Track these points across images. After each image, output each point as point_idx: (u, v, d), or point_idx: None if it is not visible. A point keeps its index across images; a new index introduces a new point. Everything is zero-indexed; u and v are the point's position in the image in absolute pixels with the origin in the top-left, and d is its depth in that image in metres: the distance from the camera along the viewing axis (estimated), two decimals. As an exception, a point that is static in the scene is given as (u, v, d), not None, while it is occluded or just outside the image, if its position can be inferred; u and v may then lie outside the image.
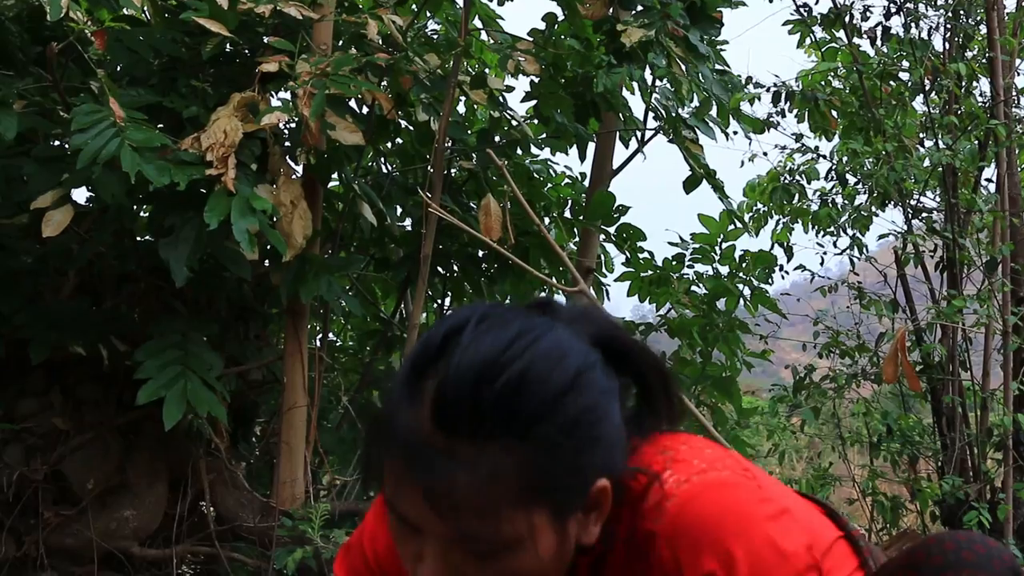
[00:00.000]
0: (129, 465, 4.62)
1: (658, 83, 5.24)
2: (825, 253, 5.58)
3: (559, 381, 1.29)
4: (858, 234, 5.48)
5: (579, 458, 1.32)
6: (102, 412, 4.61)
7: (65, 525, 4.52)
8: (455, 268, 5.54)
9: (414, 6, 5.38)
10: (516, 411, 1.26)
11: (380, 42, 4.67)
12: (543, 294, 5.96)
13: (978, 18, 5.50)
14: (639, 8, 4.94)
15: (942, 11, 5.36)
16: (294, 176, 4.39)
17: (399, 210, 5.44)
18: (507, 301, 5.87)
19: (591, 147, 5.53)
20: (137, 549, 4.61)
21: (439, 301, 5.82)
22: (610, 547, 1.46)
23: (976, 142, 5.36)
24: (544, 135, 5.45)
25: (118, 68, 4.44)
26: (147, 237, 4.78)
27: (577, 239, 5.82)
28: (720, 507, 1.40)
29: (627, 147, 5.74)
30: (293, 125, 4.47)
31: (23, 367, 4.42)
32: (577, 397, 1.31)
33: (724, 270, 5.63)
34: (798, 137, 5.64)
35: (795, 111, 5.65)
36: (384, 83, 4.71)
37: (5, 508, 4.42)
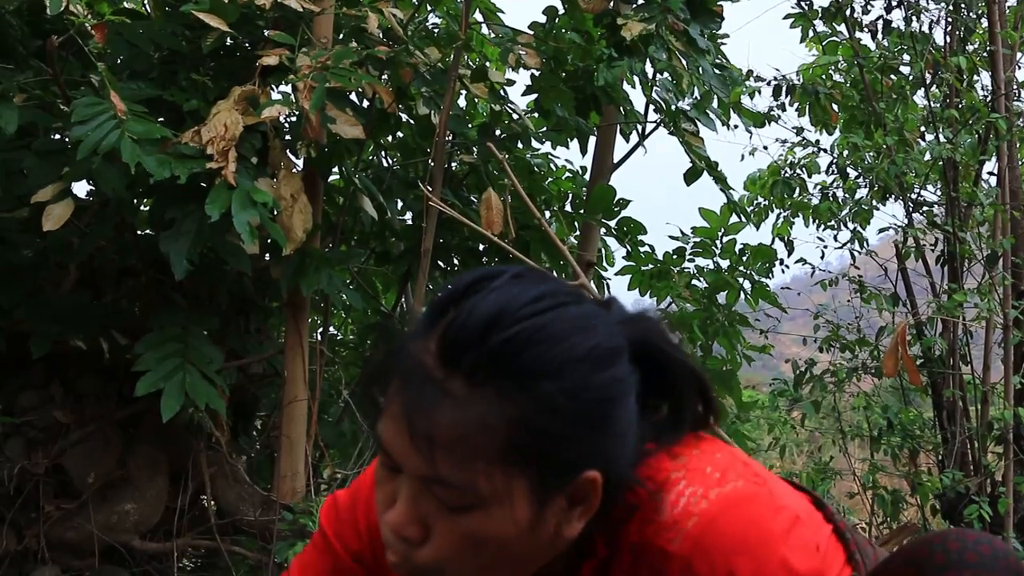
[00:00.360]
0: (130, 458, 4.63)
1: (658, 77, 5.23)
2: (826, 247, 5.59)
3: (574, 348, 1.26)
4: (859, 228, 5.48)
5: (574, 433, 1.27)
6: (103, 406, 4.62)
7: (66, 518, 4.52)
8: (456, 262, 5.54)
9: (414, -1, 5.38)
10: (521, 360, 1.23)
11: (380, 35, 4.67)
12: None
13: (979, 12, 5.49)
14: (639, 2, 4.93)
15: (943, 5, 5.36)
16: (295, 170, 4.39)
17: (400, 204, 5.44)
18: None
19: (592, 141, 5.53)
20: (138, 542, 4.61)
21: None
22: (615, 552, 1.42)
23: (977, 136, 5.35)
24: (545, 129, 5.44)
25: (118, 61, 4.43)
26: (147, 231, 4.78)
27: (578, 233, 5.81)
28: (739, 529, 1.36)
29: (628, 141, 5.75)
30: (294, 119, 4.48)
31: (24, 361, 4.41)
32: (589, 370, 1.27)
33: (725, 264, 5.63)
34: (799, 131, 5.64)
35: (796, 105, 5.64)
36: (385, 76, 4.70)
37: (6, 501, 4.43)
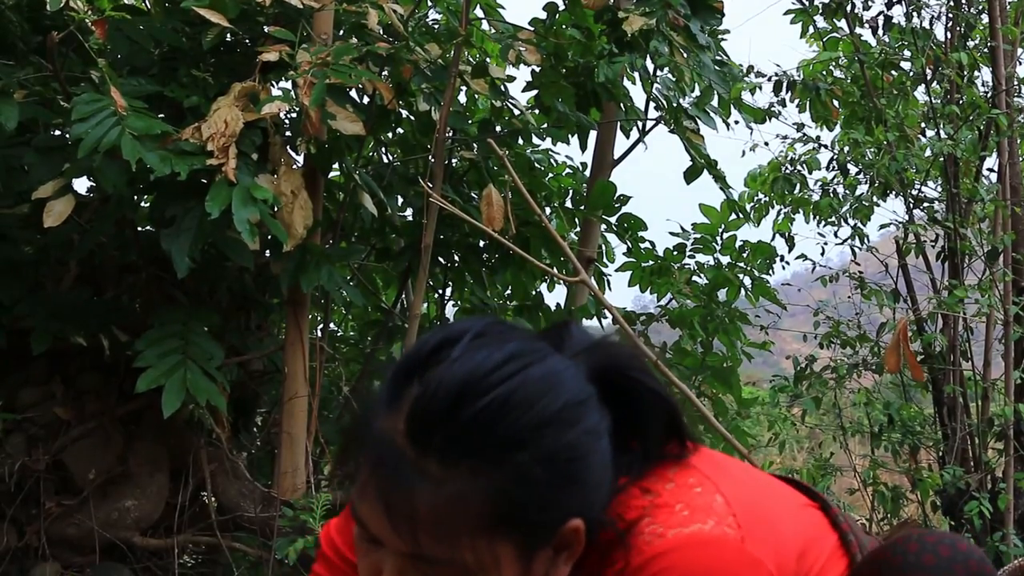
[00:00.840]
0: (130, 455, 4.63)
1: (659, 73, 5.23)
2: (826, 243, 5.58)
3: (543, 411, 1.25)
4: (859, 224, 5.47)
5: (553, 494, 1.27)
6: (103, 402, 4.62)
7: (67, 515, 4.53)
8: (456, 258, 5.54)
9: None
10: (492, 434, 1.22)
11: (381, 31, 4.67)
12: (544, 284, 5.97)
13: (980, 7, 5.49)
14: (640, -3, 4.93)
15: (944, 0, 5.35)
16: (295, 166, 4.39)
17: (400, 200, 5.43)
18: (508, 291, 5.88)
19: (592, 137, 5.53)
20: (139, 539, 4.62)
21: (440, 291, 5.82)
22: None
23: (977, 132, 5.35)
24: (545, 125, 5.44)
25: (119, 57, 4.43)
26: (148, 227, 4.78)
27: (578, 229, 5.82)
28: (685, 571, 1.34)
29: (628, 137, 5.75)
30: (294, 115, 4.48)
31: (24, 357, 4.42)
32: (560, 431, 1.26)
33: (725, 260, 5.63)
34: (799, 127, 5.63)
35: (796, 101, 5.63)
36: (385, 73, 4.70)
37: (7, 498, 4.43)
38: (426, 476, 1.22)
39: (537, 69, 5.04)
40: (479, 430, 1.22)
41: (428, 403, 1.23)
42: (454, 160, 5.36)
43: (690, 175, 5.39)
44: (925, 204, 5.39)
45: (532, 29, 5.14)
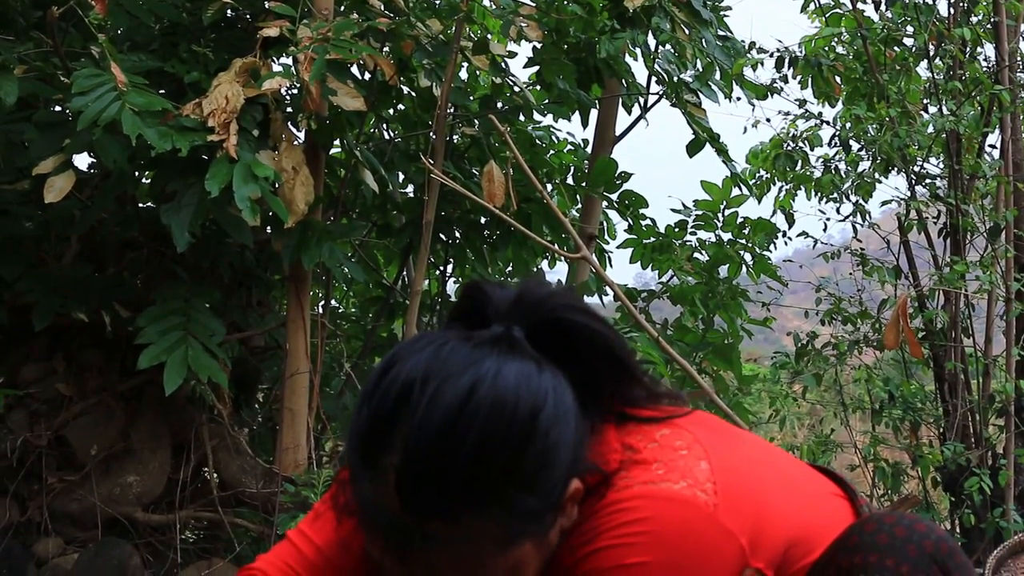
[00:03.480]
0: (132, 431, 4.64)
1: (661, 49, 5.22)
2: (828, 220, 5.58)
3: (517, 435, 1.28)
4: (861, 200, 5.47)
5: (547, 495, 1.32)
6: (105, 378, 4.63)
7: (69, 490, 4.54)
8: (457, 235, 5.54)
9: (416, -29, 5.36)
10: (481, 482, 1.26)
11: (381, 7, 4.65)
12: (545, 261, 5.97)
13: (983, -18, 5.46)
14: (642, -27, 4.91)
15: (947, -25, 5.33)
16: (296, 142, 4.38)
17: (401, 176, 5.43)
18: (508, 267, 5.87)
19: (593, 113, 5.51)
20: (140, 514, 4.63)
21: (441, 268, 5.81)
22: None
23: (980, 108, 5.33)
24: (546, 101, 5.43)
25: (119, 33, 4.43)
26: (149, 204, 4.78)
27: (579, 206, 5.81)
28: (639, 517, 1.37)
29: (630, 113, 5.74)
30: (295, 91, 4.46)
31: (26, 333, 4.42)
32: (536, 443, 1.29)
33: (726, 237, 5.63)
34: (801, 103, 5.62)
35: (798, 77, 5.62)
36: (386, 48, 4.69)
37: (9, 473, 4.44)
38: (435, 538, 1.28)
39: (538, 45, 5.02)
40: (468, 482, 1.26)
41: (412, 472, 1.27)
42: (455, 136, 5.35)
43: (692, 148, 5.37)
44: (927, 180, 5.39)
45: (533, 5, 5.12)
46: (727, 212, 5.58)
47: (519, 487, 1.28)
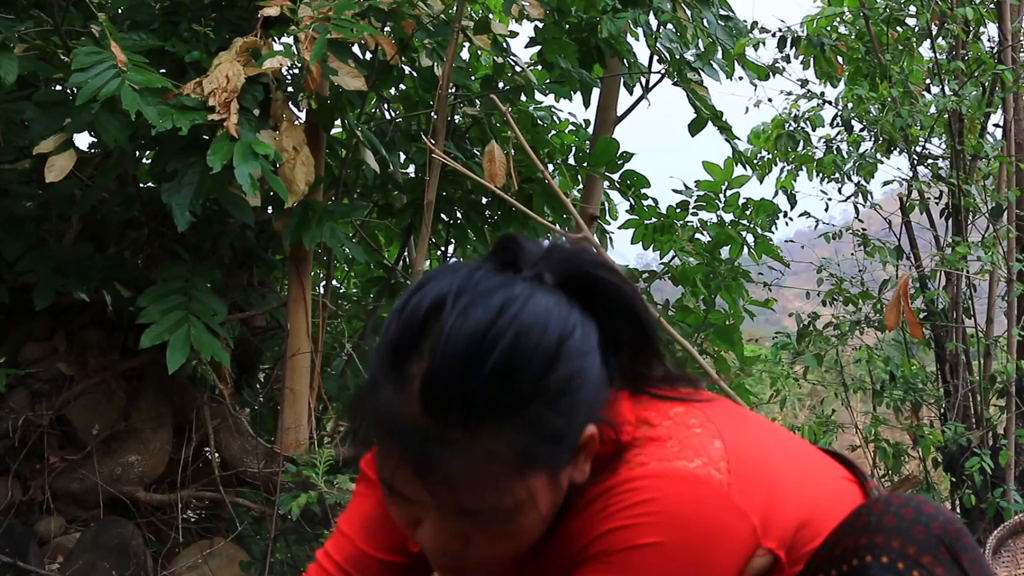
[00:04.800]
0: (134, 411, 4.65)
1: (662, 29, 5.20)
2: (830, 200, 5.57)
3: (543, 356, 1.29)
4: (863, 181, 5.45)
5: (568, 422, 1.33)
6: (106, 358, 4.63)
7: (71, 470, 4.55)
8: (458, 215, 5.53)
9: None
10: (505, 394, 1.27)
11: (383, -14, 4.64)
12: (546, 241, 5.96)
13: (987, -38, 5.44)
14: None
15: (950, -45, 5.31)
16: (297, 122, 4.37)
17: (402, 156, 5.43)
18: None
19: (595, 93, 5.50)
20: (142, 494, 4.65)
21: (442, 248, 5.81)
22: (567, 508, 1.45)
23: (982, 88, 5.32)
24: (548, 81, 5.42)
25: (119, 12, 4.42)
26: (150, 183, 4.78)
27: (581, 186, 5.80)
28: (651, 497, 1.37)
29: (631, 93, 5.73)
30: (296, 71, 4.46)
31: (27, 313, 4.43)
32: (561, 368, 1.30)
33: (728, 218, 5.62)
34: (803, 83, 5.60)
35: (800, 57, 5.60)
36: (387, 28, 4.68)
37: (11, 453, 4.46)
38: (454, 446, 1.28)
39: (540, 25, 5.01)
40: (492, 392, 1.27)
41: (438, 378, 1.27)
42: (457, 116, 5.35)
43: (695, 127, 5.36)
44: (929, 161, 5.37)
45: (535, -16, 5.10)
46: (729, 193, 5.57)
47: (543, 403, 1.29)
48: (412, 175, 5.50)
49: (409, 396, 1.29)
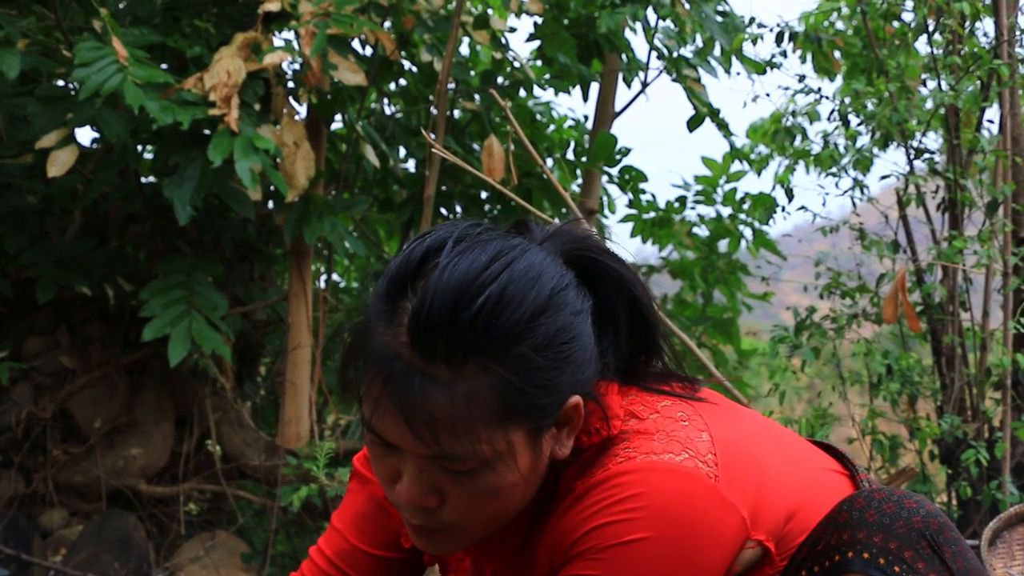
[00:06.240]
0: (136, 404, 4.68)
1: (661, 24, 5.22)
2: (827, 194, 5.58)
3: (534, 302, 1.31)
4: (860, 175, 5.46)
5: (553, 376, 1.34)
6: (109, 351, 4.66)
7: (73, 463, 4.58)
8: (458, 209, 5.55)
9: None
10: (492, 334, 1.29)
11: (383, -18, 4.66)
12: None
13: (983, -43, 5.45)
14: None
15: (947, -50, 5.32)
16: (297, 117, 4.40)
17: (402, 151, 5.45)
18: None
19: (594, 88, 5.52)
20: (144, 486, 4.67)
21: (442, 243, 5.82)
22: (551, 497, 1.46)
23: (979, 82, 5.33)
24: (547, 76, 5.44)
25: (120, 7, 4.44)
26: (152, 178, 4.80)
27: (580, 181, 5.82)
28: (639, 491, 1.37)
29: (630, 88, 5.74)
30: (296, 66, 4.48)
31: (30, 306, 4.45)
32: (551, 317, 1.33)
33: (726, 212, 5.64)
34: (801, 78, 5.62)
35: (798, 52, 5.61)
36: (387, 23, 4.70)
37: (14, 446, 4.48)
38: (437, 381, 1.30)
39: (539, 20, 5.03)
40: (480, 330, 1.29)
41: (428, 312, 1.29)
42: (456, 111, 5.36)
43: (693, 123, 5.38)
44: (926, 155, 5.38)
45: (534, -21, 5.12)
46: (727, 187, 5.59)
47: (530, 348, 1.31)
48: (412, 170, 5.52)
49: (398, 329, 1.32)
